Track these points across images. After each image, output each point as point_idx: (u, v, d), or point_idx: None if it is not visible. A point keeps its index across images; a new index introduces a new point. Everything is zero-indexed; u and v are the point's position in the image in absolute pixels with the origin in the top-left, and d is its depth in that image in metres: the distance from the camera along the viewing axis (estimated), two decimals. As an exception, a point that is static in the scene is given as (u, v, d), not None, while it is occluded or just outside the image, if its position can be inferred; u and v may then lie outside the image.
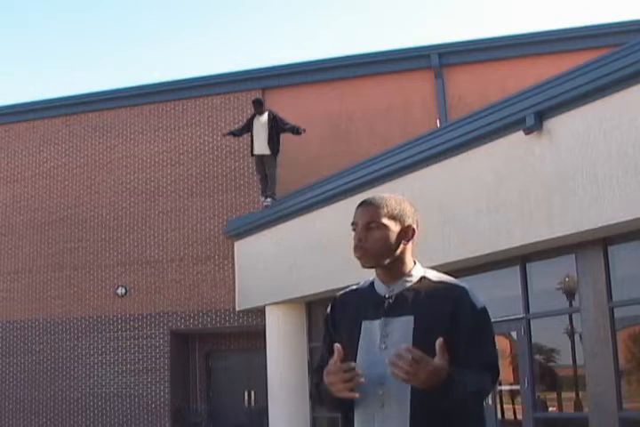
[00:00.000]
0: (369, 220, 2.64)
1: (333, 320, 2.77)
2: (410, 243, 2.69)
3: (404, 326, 2.56)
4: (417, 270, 2.69)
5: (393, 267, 2.65)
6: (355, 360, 2.59)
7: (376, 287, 2.71)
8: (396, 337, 2.56)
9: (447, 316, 2.54)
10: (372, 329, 2.62)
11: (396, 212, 2.67)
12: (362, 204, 2.70)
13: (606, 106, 8.18)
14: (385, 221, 2.64)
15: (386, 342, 2.58)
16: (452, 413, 2.51)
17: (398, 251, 2.66)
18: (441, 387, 2.39)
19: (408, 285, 2.64)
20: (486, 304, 2.62)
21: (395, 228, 2.66)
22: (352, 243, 2.66)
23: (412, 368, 2.33)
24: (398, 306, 2.61)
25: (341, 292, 2.84)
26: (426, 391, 2.44)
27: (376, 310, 2.64)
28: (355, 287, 2.80)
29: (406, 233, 2.67)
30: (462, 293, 2.59)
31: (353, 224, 2.68)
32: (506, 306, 10.02)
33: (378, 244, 2.63)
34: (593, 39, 14.33)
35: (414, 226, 2.70)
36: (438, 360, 2.37)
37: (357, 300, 2.73)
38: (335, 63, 15.83)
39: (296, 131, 13.93)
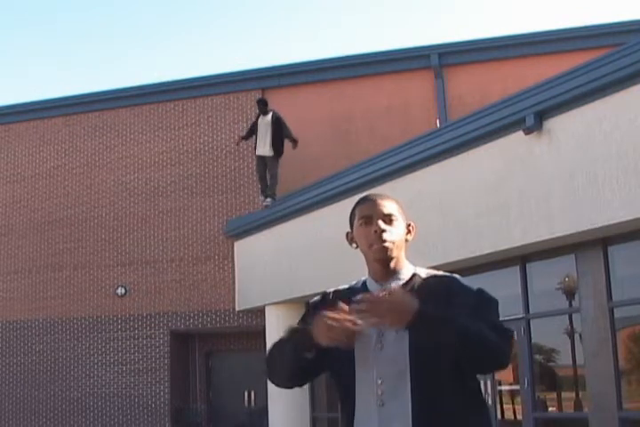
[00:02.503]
0: (389, 212, 2.66)
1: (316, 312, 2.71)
2: (407, 241, 2.73)
3: None
4: (408, 268, 2.70)
5: (395, 263, 2.67)
6: (353, 361, 2.60)
7: (369, 286, 2.71)
8: (391, 336, 2.56)
9: (441, 306, 2.52)
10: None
11: (400, 207, 2.73)
12: (370, 199, 2.70)
13: (606, 106, 8.18)
14: (400, 215, 2.69)
15: (382, 342, 2.57)
16: (454, 409, 2.50)
17: (403, 246, 2.70)
18: (423, 323, 2.35)
19: (401, 283, 2.65)
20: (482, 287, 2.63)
21: (404, 223, 2.71)
22: (367, 236, 2.64)
23: (368, 307, 2.34)
24: None
25: (333, 289, 2.83)
26: (425, 382, 2.47)
27: None
28: (347, 286, 2.80)
29: (409, 230, 2.72)
30: (452, 280, 2.64)
31: (364, 217, 2.66)
32: (506, 306, 9.95)
33: (399, 236, 2.66)
34: (593, 39, 14.32)
35: (412, 222, 2.76)
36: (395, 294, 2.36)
37: (350, 298, 2.68)
38: (335, 63, 15.83)
39: (293, 141, 14.03)
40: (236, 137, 15.12)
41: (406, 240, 2.70)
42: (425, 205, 10.28)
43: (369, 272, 2.73)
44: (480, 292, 2.62)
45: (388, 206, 2.67)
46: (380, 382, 2.55)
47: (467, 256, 9.78)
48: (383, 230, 2.61)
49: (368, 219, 2.65)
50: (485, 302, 2.60)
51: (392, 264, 2.65)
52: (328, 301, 2.75)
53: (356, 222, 2.70)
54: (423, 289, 2.60)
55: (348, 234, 2.76)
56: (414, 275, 2.68)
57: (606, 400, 8.64)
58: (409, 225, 2.72)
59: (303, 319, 2.79)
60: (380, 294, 2.38)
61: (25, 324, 16.43)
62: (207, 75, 16.46)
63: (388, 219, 2.64)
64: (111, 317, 15.91)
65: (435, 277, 2.68)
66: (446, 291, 2.58)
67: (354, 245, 2.73)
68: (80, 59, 37.85)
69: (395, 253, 2.64)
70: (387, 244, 2.62)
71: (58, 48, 38.09)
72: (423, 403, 2.48)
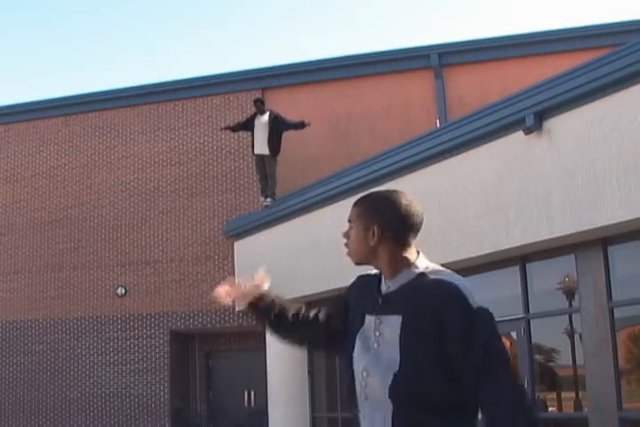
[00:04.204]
0: (348, 218, 2.71)
1: (347, 299, 2.82)
2: (385, 243, 2.61)
3: (393, 324, 2.55)
4: (415, 268, 2.62)
5: (380, 266, 2.65)
6: (352, 350, 2.64)
7: (382, 280, 2.70)
8: (386, 336, 2.56)
9: (433, 313, 2.47)
10: (369, 324, 2.64)
11: (365, 211, 2.66)
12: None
13: (606, 106, 8.18)
14: (358, 220, 2.66)
15: (378, 341, 2.59)
16: (432, 405, 2.48)
17: (372, 251, 2.63)
18: None
19: (404, 282, 2.60)
20: (484, 303, 2.50)
21: (361, 227, 2.65)
22: None
23: None
24: (389, 304, 2.59)
25: (362, 273, 2.84)
26: (403, 382, 2.48)
27: (372, 305, 2.65)
28: (373, 273, 2.77)
29: (374, 233, 2.61)
30: (450, 289, 2.49)
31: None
32: (506, 306, 10.01)
33: (355, 243, 2.67)
34: (593, 39, 14.33)
35: (378, 226, 2.62)
36: None
37: (367, 288, 2.73)
38: (335, 63, 15.84)
39: (300, 126, 13.91)
40: (223, 125, 15.17)
41: (373, 244, 2.62)
42: (425, 205, 10.21)
43: None
44: (476, 311, 2.46)
45: (350, 212, 2.70)
46: (365, 374, 2.57)
47: (467, 256, 9.78)
48: (343, 237, 2.70)
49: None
50: (479, 326, 2.44)
51: (380, 268, 2.65)
52: (357, 283, 2.82)
53: None
54: (421, 293, 2.55)
55: None
56: (421, 274, 2.59)
57: (606, 400, 8.63)
58: (368, 229, 2.63)
59: (341, 297, 2.89)
60: None
61: (25, 324, 16.44)
62: (207, 75, 16.49)
63: (349, 226, 2.70)
64: (111, 317, 15.92)
65: (436, 280, 2.56)
66: (439, 300, 2.48)
67: None
68: (80, 59, 37.88)
69: (359, 259, 2.67)
70: (347, 251, 2.70)
71: (58, 48, 38.12)
72: (401, 397, 2.48)
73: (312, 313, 2.93)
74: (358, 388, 2.59)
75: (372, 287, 2.70)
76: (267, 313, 2.95)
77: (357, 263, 2.69)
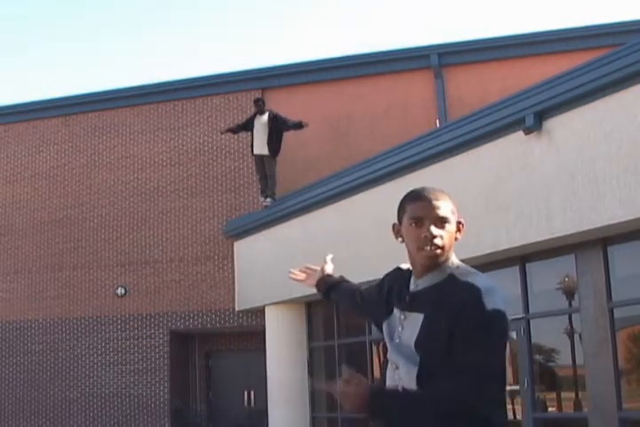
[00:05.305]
0: (444, 215, 2.54)
1: (381, 288, 2.82)
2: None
3: (414, 322, 2.56)
4: (447, 268, 2.59)
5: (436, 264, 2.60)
6: (384, 337, 2.70)
7: (412, 277, 2.67)
8: (407, 332, 2.58)
9: (452, 317, 2.45)
10: (395, 317, 2.66)
11: (454, 206, 2.60)
12: (425, 197, 2.56)
13: (606, 106, 8.18)
14: (453, 215, 2.58)
15: (400, 336, 2.60)
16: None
17: (452, 246, 2.60)
18: (374, 410, 2.43)
19: (433, 282, 2.58)
20: (501, 309, 2.52)
21: (455, 222, 2.59)
22: (417, 239, 2.54)
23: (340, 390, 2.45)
24: (415, 302, 2.59)
25: (399, 266, 2.81)
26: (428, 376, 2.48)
27: (400, 301, 2.66)
28: (406, 267, 2.74)
29: (459, 228, 2.61)
30: (473, 294, 2.46)
31: (415, 218, 2.54)
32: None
33: (450, 240, 2.56)
34: (593, 39, 14.33)
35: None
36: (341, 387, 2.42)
37: (399, 282, 2.72)
38: (335, 63, 15.83)
39: (299, 126, 13.91)
40: (224, 126, 15.18)
41: (456, 239, 2.59)
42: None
43: (410, 263, 2.67)
44: (487, 316, 2.46)
45: (443, 208, 2.53)
46: (394, 366, 2.61)
47: (467, 256, 9.74)
48: (435, 236, 2.51)
49: (419, 220, 2.53)
50: (482, 332, 2.45)
51: (431, 265, 2.58)
52: (392, 274, 2.81)
53: (405, 220, 2.58)
54: (446, 294, 2.52)
55: (394, 226, 2.66)
56: (450, 276, 2.56)
57: (606, 400, 8.64)
58: (459, 223, 2.60)
59: (379, 285, 2.89)
60: (338, 386, 2.44)
61: (25, 324, 16.43)
62: (207, 75, 16.47)
63: (441, 222, 2.53)
64: (111, 317, 15.91)
65: (463, 283, 2.51)
66: (460, 305, 2.45)
67: (399, 239, 2.64)
68: (80, 59, 37.88)
69: (442, 258, 2.56)
70: (437, 250, 2.53)
71: (58, 48, 38.13)
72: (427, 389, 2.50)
73: (360, 296, 3.09)
74: (392, 380, 2.61)
75: (403, 282, 2.69)
76: (326, 292, 3.25)
77: (436, 264, 2.57)
